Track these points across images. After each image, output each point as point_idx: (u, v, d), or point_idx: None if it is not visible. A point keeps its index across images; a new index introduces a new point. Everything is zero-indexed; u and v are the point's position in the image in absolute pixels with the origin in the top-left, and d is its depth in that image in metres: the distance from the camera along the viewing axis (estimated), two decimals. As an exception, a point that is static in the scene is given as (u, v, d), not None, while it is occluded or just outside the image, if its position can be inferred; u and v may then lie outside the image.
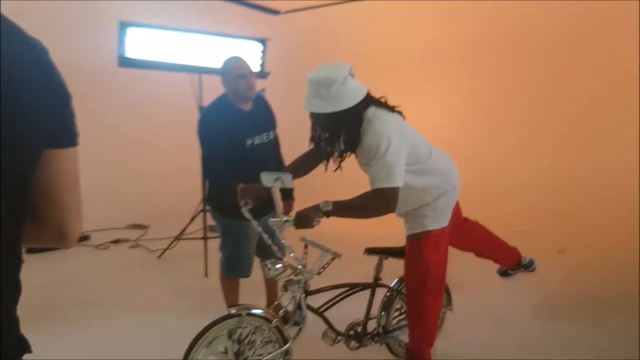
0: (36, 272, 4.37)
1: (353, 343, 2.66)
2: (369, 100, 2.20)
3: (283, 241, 2.31)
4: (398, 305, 2.79)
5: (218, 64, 4.33)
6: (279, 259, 2.30)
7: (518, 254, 3.10)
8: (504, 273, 3.20)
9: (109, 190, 6.29)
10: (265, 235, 2.39)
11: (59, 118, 0.98)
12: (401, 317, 2.81)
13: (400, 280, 2.73)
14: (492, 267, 4.51)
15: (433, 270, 2.42)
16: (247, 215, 2.39)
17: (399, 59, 7.54)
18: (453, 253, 4.70)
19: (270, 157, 2.97)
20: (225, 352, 2.26)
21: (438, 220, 2.41)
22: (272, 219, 2.25)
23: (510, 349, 3.06)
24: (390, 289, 2.72)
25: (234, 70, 2.82)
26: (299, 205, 2.44)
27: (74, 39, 5.44)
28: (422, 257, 2.41)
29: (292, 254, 2.29)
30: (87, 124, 5.84)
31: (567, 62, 6.53)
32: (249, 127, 2.83)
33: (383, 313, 2.71)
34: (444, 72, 7.46)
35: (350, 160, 2.37)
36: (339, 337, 2.64)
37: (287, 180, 2.18)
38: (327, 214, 2.04)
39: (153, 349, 3.01)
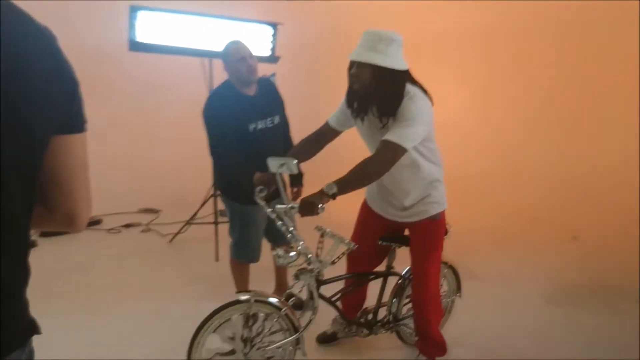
0: (49, 256, 4.43)
1: (364, 330, 2.67)
2: (411, 76, 2.23)
3: (291, 228, 2.24)
4: (409, 293, 2.77)
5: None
6: (291, 247, 2.24)
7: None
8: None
9: (121, 175, 6.33)
10: (279, 222, 2.33)
11: (67, 104, 0.99)
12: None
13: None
14: (505, 255, 4.52)
15: (441, 253, 2.52)
16: (261, 202, 2.38)
17: (415, 46, 7.42)
18: (466, 242, 4.73)
19: (275, 142, 2.94)
20: (233, 338, 2.25)
21: (444, 203, 2.48)
22: (278, 206, 2.23)
23: (522, 335, 3.06)
24: (401, 276, 2.71)
25: (234, 54, 2.81)
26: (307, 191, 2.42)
27: (85, 24, 5.43)
28: (442, 234, 2.48)
29: (302, 242, 2.23)
30: (99, 109, 5.87)
31: (583, 50, 6.41)
32: (252, 111, 2.81)
33: (394, 300, 2.71)
34: (460, 60, 7.36)
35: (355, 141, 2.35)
36: (350, 325, 2.65)
37: (293, 166, 2.17)
38: (334, 196, 2.00)
39: (164, 334, 3.04)
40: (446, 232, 2.64)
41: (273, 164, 2.25)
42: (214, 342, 2.24)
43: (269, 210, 2.30)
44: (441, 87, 7.48)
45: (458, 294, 2.98)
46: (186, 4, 4.30)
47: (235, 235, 2.99)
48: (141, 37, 4.02)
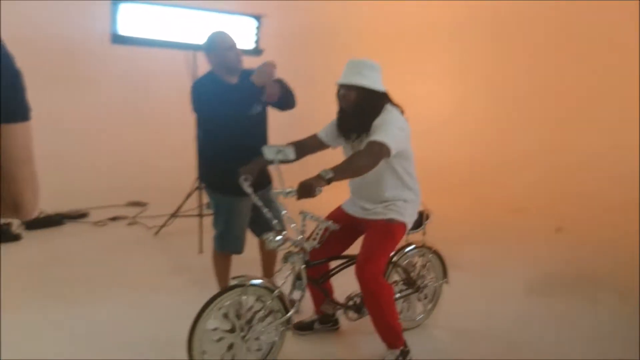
0: (33, 249, 4.46)
1: (352, 313, 2.73)
2: (389, 98, 2.55)
3: (284, 212, 2.40)
4: (396, 277, 2.85)
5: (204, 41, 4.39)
6: (280, 231, 2.37)
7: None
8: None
9: (109, 168, 6.37)
10: (265, 209, 2.46)
11: (7, 93, 0.99)
12: (400, 288, 2.87)
13: (397, 252, 2.79)
14: (489, 245, 4.56)
15: (389, 255, 2.63)
16: (248, 190, 2.47)
17: (399, 37, 7.47)
18: (450, 231, 4.77)
19: (260, 131, 2.98)
20: (230, 322, 2.35)
21: (406, 221, 2.59)
22: (275, 190, 2.29)
23: (504, 324, 3.09)
24: (388, 261, 2.75)
25: (221, 44, 2.81)
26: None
27: (69, 16, 5.44)
28: (392, 241, 2.57)
29: (294, 225, 2.38)
30: (84, 101, 5.90)
31: (567, 41, 6.45)
32: (238, 100, 2.78)
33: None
34: (446, 50, 7.39)
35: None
36: (338, 307, 2.74)
37: (289, 152, 2.27)
38: (329, 181, 2.10)
39: (146, 326, 3.05)
40: (427, 217, 2.81)
41: (269, 151, 2.33)
42: (212, 327, 2.31)
43: (256, 198, 2.41)
44: (430, 77, 7.58)
45: (445, 280, 3.04)
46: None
47: (219, 227, 2.97)
48: (124, 30, 4.03)
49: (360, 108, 2.45)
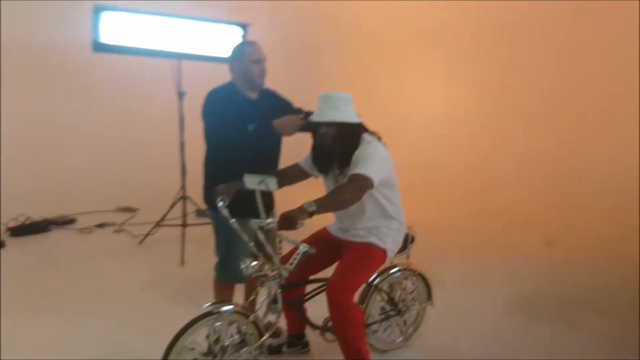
0: (17, 256, 4.42)
1: (329, 335, 2.67)
2: (364, 125, 2.51)
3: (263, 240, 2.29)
4: (378, 299, 2.78)
5: (197, 48, 4.33)
6: (256, 257, 2.31)
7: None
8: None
9: (99, 173, 6.33)
10: (261, 236, 2.30)
11: None
12: (381, 310, 2.81)
13: (381, 275, 2.73)
14: (473, 259, 4.48)
15: (364, 279, 2.58)
16: (225, 212, 2.36)
17: (391, 41, 7.41)
18: (436, 244, 4.71)
19: (272, 150, 2.79)
20: (205, 348, 2.29)
21: (387, 248, 2.54)
22: (255, 220, 2.22)
23: (478, 346, 3.01)
24: (368, 284, 2.69)
25: (250, 55, 2.64)
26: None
27: (53, 23, 5.41)
28: (371, 266, 2.53)
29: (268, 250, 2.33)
30: (72, 107, 5.84)
31: (564, 47, 6.37)
32: (252, 116, 2.61)
33: (360, 306, 2.69)
34: (443, 60, 7.33)
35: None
36: (316, 330, 2.68)
37: (272, 183, 2.17)
38: (312, 214, 2.06)
39: (119, 340, 2.99)
40: (412, 240, 2.75)
41: (250, 180, 2.24)
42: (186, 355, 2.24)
43: (233, 221, 2.32)
44: (423, 83, 7.50)
45: (429, 302, 2.98)
46: (153, 4, 4.25)
47: (220, 252, 2.77)
48: (106, 38, 3.97)
49: (340, 144, 2.41)
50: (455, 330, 3.20)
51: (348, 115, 2.39)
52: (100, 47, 3.97)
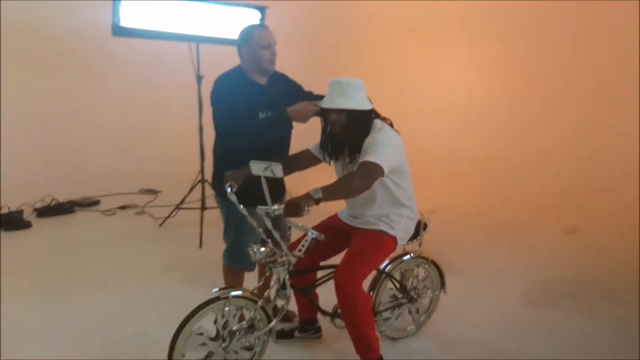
0: (40, 237, 4.54)
1: (339, 321, 2.66)
2: (375, 111, 2.47)
3: (269, 227, 2.26)
4: (390, 286, 2.77)
5: (216, 32, 4.32)
6: (264, 243, 2.31)
7: None
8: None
9: (125, 156, 6.42)
10: (268, 223, 2.27)
11: None
12: (392, 297, 2.80)
13: (393, 262, 2.71)
14: (495, 248, 4.41)
15: (373, 266, 2.54)
16: (233, 198, 2.35)
17: (412, 27, 7.28)
18: (460, 232, 4.65)
19: (284, 135, 2.75)
20: (213, 333, 2.33)
21: (398, 235, 2.50)
22: (260, 207, 2.20)
23: (493, 335, 2.96)
24: (378, 270, 2.68)
25: (259, 40, 2.55)
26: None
27: (74, 8, 5.46)
28: (380, 253, 2.50)
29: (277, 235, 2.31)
30: (96, 91, 5.88)
31: (593, 38, 6.15)
32: (262, 101, 2.58)
33: (371, 293, 2.68)
34: (467, 44, 7.15)
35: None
36: (327, 317, 2.69)
37: (277, 169, 2.15)
38: (318, 201, 2.05)
39: (137, 318, 3.06)
40: (425, 227, 2.72)
41: (256, 167, 2.23)
42: (195, 339, 2.27)
43: (241, 207, 2.32)
44: (448, 71, 7.35)
45: (442, 290, 2.95)
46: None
47: (229, 240, 2.75)
48: (125, 21, 3.99)
49: (351, 130, 2.39)
50: (470, 319, 3.15)
51: (358, 102, 2.34)
52: (120, 31, 3.99)
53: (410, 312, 2.89)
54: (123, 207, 5.42)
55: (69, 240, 4.48)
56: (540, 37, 6.54)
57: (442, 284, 2.94)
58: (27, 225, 4.79)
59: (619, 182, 5.56)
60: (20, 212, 4.96)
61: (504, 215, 5.36)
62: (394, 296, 2.80)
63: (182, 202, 4.74)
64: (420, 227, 2.68)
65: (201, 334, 2.28)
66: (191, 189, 4.68)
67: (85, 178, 5.96)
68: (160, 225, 4.82)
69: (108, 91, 6.35)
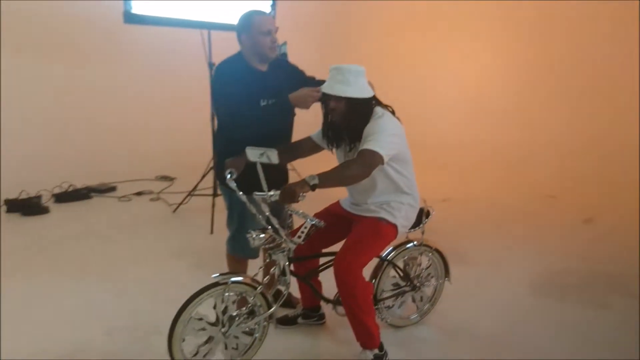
0: (59, 221, 4.64)
1: (340, 309, 2.66)
2: (376, 98, 2.46)
3: (267, 213, 2.28)
4: (392, 274, 2.76)
5: (227, 19, 4.31)
6: (263, 229, 2.31)
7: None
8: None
9: (140, 142, 6.49)
10: (266, 209, 2.29)
11: None
12: (395, 285, 2.79)
13: (396, 249, 2.70)
14: (506, 237, 4.35)
15: (373, 254, 2.50)
16: (232, 185, 2.36)
17: (434, 16, 7.16)
18: (470, 221, 4.60)
19: (284, 122, 2.72)
20: (213, 318, 2.35)
21: (398, 223, 2.48)
22: (257, 193, 2.22)
23: (498, 325, 2.93)
24: (381, 258, 2.67)
25: (258, 26, 2.49)
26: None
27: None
28: (380, 241, 2.48)
29: (276, 222, 2.32)
30: (115, 78, 5.93)
31: (604, 23, 5.97)
32: (263, 88, 2.55)
33: (373, 281, 2.68)
34: (479, 31, 7.03)
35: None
36: (329, 304, 2.70)
37: (273, 155, 2.15)
38: (314, 188, 2.05)
39: (145, 302, 3.12)
40: (427, 215, 2.68)
41: (252, 153, 2.23)
42: (194, 324, 2.30)
43: (240, 193, 2.32)
44: (460, 60, 7.24)
45: (447, 279, 2.92)
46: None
47: (232, 227, 2.74)
48: (137, 8, 4.01)
49: (350, 118, 2.36)
50: (475, 308, 3.13)
51: (358, 89, 2.32)
52: (131, 18, 4.01)
53: (414, 301, 2.87)
54: (139, 193, 5.50)
55: (84, 225, 4.56)
56: (552, 24, 6.39)
57: (447, 273, 2.92)
58: (45, 210, 4.89)
59: (635, 171, 5.42)
60: (39, 197, 5.07)
61: (516, 205, 5.29)
62: (397, 284, 2.79)
63: (194, 189, 4.78)
64: (422, 215, 2.66)
65: (200, 319, 2.30)
66: (203, 176, 4.72)
67: (103, 164, 6.07)
68: (174, 211, 4.88)
69: (124, 79, 6.42)
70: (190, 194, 4.81)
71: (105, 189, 5.57)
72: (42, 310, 3.04)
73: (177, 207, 4.88)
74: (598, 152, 5.87)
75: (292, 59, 4.80)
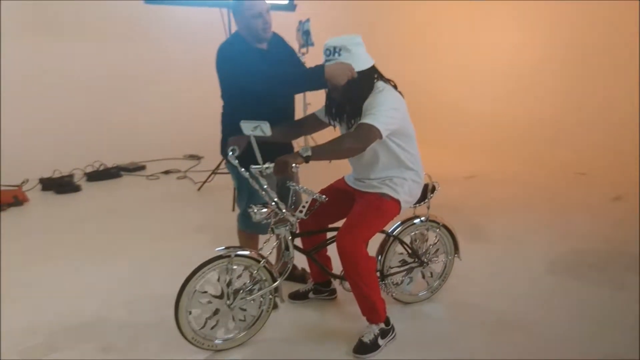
0: (90, 199, 4.82)
1: (347, 284, 2.68)
2: (378, 72, 2.41)
3: (265, 186, 2.31)
4: (398, 249, 2.76)
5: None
6: (265, 204, 2.35)
7: None
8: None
9: (170, 122, 6.63)
10: (264, 182, 2.33)
11: None
12: (402, 262, 2.78)
13: (402, 224, 2.70)
14: (529, 215, 4.26)
15: (375, 229, 2.49)
16: (234, 162, 2.39)
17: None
18: (488, 202, 4.51)
19: (287, 98, 2.78)
20: (220, 287, 2.41)
21: (400, 199, 2.47)
22: (254, 166, 2.26)
23: (511, 305, 2.86)
24: (387, 233, 2.68)
25: (248, 11, 2.54)
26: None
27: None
28: (382, 218, 2.46)
29: (276, 199, 2.36)
30: (142, 58, 6.01)
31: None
32: (265, 66, 2.56)
33: (379, 257, 2.69)
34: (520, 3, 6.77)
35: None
36: (336, 280, 2.74)
37: (266, 128, 2.18)
38: (307, 159, 2.07)
39: (163, 279, 3.19)
40: (433, 190, 2.67)
41: (246, 126, 2.26)
42: (198, 297, 2.37)
43: (243, 170, 2.35)
44: (493, 34, 7.01)
45: (456, 255, 2.90)
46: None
47: (242, 204, 2.81)
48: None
49: (351, 93, 2.35)
50: (489, 287, 3.08)
51: (360, 61, 2.30)
52: (151, -1, 4.08)
53: (424, 277, 2.87)
54: (166, 172, 5.65)
55: (112, 202, 4.74)
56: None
57: (456, 249, 2.88)
58: (77, 188, 5.09)
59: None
60: (71, 176, 5.27)
61: (545, 183, 5.16)
62: (404, 261, 2.78)
63: (217, 167, 4.87)
64: (427, 190, 2.64)
65: (205, 291, 2.37)
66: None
67: (134, 144, 6.23)
68: (199, 189, 4.99)
69: (151, 58, 6.53)
70: (214, 172, 4.90)
71: (135, 168, 5.73)
72: (68, 282, 3.19)
73: (202, 185, 4.99)
74: (633, 128, 5.62)
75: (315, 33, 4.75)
